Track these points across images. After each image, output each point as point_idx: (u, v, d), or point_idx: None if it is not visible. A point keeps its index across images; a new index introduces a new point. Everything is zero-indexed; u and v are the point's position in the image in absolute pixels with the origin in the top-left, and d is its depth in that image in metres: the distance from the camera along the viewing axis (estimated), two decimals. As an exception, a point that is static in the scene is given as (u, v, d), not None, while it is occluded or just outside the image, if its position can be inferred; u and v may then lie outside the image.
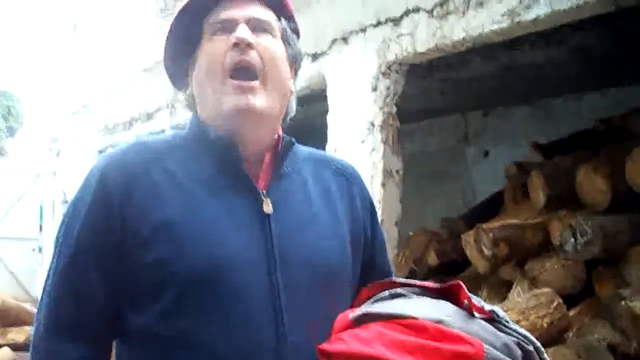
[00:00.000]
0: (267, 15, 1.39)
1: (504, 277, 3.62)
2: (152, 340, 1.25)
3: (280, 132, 1.42)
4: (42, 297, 1.32)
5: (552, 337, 2.95)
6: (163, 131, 4.29)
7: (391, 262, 3.29)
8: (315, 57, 3.64)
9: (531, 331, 2.83)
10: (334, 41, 3.52)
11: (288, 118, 1.46)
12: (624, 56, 3.91)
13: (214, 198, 1.30)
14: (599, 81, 4.47)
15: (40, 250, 10.36)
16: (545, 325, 2.88)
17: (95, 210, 1.28)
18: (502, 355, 1.18)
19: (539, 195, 3.46)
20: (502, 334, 1.24)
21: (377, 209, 3.20)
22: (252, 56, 1.33)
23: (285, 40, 1.41)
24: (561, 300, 2.94)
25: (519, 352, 1.22)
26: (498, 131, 5.25)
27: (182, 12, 1.40)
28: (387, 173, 3.28)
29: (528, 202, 3.65)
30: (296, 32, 1.47)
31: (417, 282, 1.38)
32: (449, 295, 1.32)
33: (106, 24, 6.54)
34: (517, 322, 2.79)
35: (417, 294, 1.34)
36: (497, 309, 1.30)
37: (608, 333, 2.98)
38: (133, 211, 1.26)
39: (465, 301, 1.27)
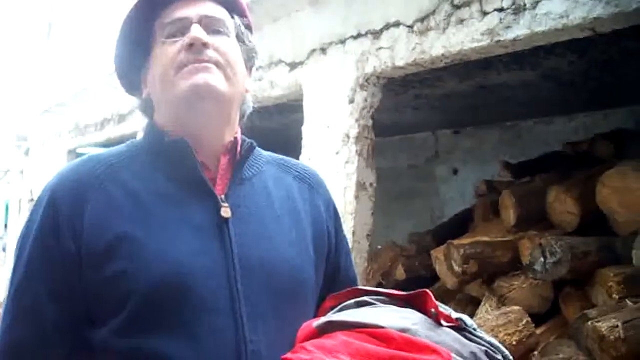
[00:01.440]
0: (220, 12, 1.36)
1: (471, 294, 3.64)
2: (113, 356, 1.21)
3: (239, 134, 1.39)
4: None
5: (520, 355, 2.96)
6: (134, 134, 4.22)
7: (360, 275, 3.30)
8: (292, 66, 3.64)
9: (499, 348, 2.87)
10: (312, 51, 3.52)
11: (244, 117, 1.43)
12: (592, 82, 3.99)
13: (170, 207, 1.26)
14: (568, 106, 4.55)
15: (4, 249, 10.14)
16: (513, 342, 2.89)
17: (45, 230, 1.25)
18: None
19: (510, 214, 3.50)
20: (469, 343, 1.22)
21: (349, 221, 3.22)
22: (209, 55, 1.30)
23: (240, 38, 1.39)
24: (529, 319, 2.96)
25: None
26: (468, 150, 5.30)
27: (132, 13, 1.36)
28: (361, 185, 3.28)
29: (498, 220, 3.68)
30: (249, 28, 1.44)
31: (384, 290, 1.36)
32: (416, 303, 1.30)
33: (81, 23, 6.46)
34: (486, 338, 2.81)
35: (384, 302, 1.31)
36: (464, 317, 1.27)
37: (573, 352, 3.00)
38: (87, 228, 1.22)
39: (432, 309, 1.25)
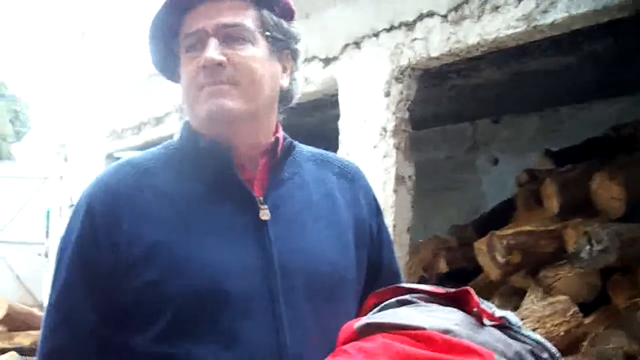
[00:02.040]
0: (240, 16, 1.30)
1: (515, 285, 3.59)
2: None
3: (281, 134, 1.37)
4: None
5: (568, 346, 2.91)
6: (171, 136, 4.25)
7: (402, 269, 3.27)
8: (327, 62, 3.62)
9: (548, 340, 2.82)
10: (346, 46, 3.50)
11: (281, 114, 1.40)
12: (632, 64, 3.90)
13: (207, 211, 1.26)
14: (609, 89, 4.45)
15: (46, 255, 10.33)
16: (561, 333, 2.85)
17: (83, 239, 1.25)
18: None
19: (553, 203, 3.44)
20: (513, 342, 1.19)
21: (389, 215, 3.19)
22: (225, 75, 1.27)
23: (267, 35, 1.33)
24: (577, 309, 2.91)
25: None
26: (507, 139, 5.23)
27: (157, 19, 1.34)
28: (400, 179, 3.25)
29: (540, 209, 3.62)
30: (287, 13, 1.38)
31: (425, 288, 1.34)
32: (458, 301, 1.28)
33: (114, 30, 6.54)
34: (533, 330, 2.76)
35: (425, 301, 1.29)
36: (509, 314, 1.24)
37: (624, 342, 2.94)
38: (123, 236, 1.22)
39: (475, 309, 1.23)
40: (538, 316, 2.84)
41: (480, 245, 3.42)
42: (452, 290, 1.32)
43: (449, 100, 4.73)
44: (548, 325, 2.81)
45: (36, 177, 11.68)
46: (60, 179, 8.12)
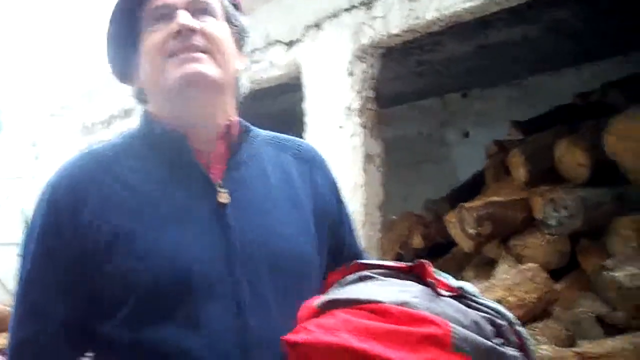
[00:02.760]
0: None
1: (489, 256, 3.63)
2: (120, 348, 1.22)
3: (236, 118, 1.38)
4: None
5: (540, 311, 2.95)
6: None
7: (375, 246, 3.30)
8: (289, 45, 3.62)
9: (519, 307, 2.86)
10: (307, 28, 3.51)
11: (239, 100, 1.41)
12: (597, 31, 3.92)
13: (167, 197, 1.26)
14: (575, 57, 4.48)
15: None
16: (532, 300, 2.88)
17: (47, 229, 1.26)
18: (470, 333, 1.15)
19: (520, 172, 3.47)
20: (471, 311, 1.20)
21: (359, 194, 3.21)
22: (197, 40, 1.28)
23: (229, 19, 1.37)
24: (547, 275, 2.95)
25: (489, 328, 1.18)
26: (477, 112, 5.26)
27: (120, 3, 1.34)
28: (368, 157, 3.27)
29: (509, 180, 3.65)
30: (238, 7, 1.42)
31: (384, 263, 1.35)
32: (417, 274, 1.29)
33: (79, 25, 6.48)
34: (504, 298, 2.80)
35: (385, 276, 1.30)
36: (466, 284, 1.26)
37: (595, 305, 2.99)
38: (87, 224, 1.23)
39: (430, 280, 1.25)
40: (509, 284, 2.87)
41: (451, 219, 3.46)
42: (410, 264, 1.34)
43: (416, 77, 4.75)
44: (519, 292, 2.84)
45: (10, 177, 11.58)
46: (33, 178, 8.06)
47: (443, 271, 1.32)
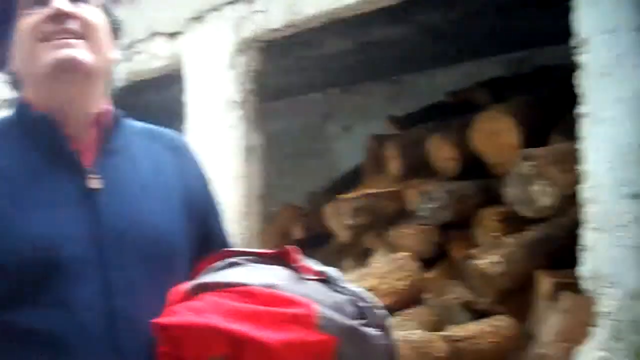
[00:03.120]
0: None
1: (366, 246, 3.76)
2: None
3: (108, 106, 1.39)
4: None
5: (411, 298, 3.10)
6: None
7: (256, 237, 3.36)
8: (172, 37, 3.61)
9: (390, 294, 3.00)
10: (189, 20, 3.51)
11: (111, 89, 1.42)
12: (468, 33, 4.14)
13: (38, 182, 1.27)
14: (447, 57, 4.70)
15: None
16: (403, 287, 3.02)
17: None
18: (334, 314, 1.21)
19: (395, 165, 3.62)
20: (334, 294, 1.26)
21: (240, 185, 3.25)
22: (72, 25, 1.28)
23: (105, 10, 1.38)
24: (417, 264, 3.10)
25: (352, 310, 1.25)
26: (357, 107, 5.40)
27: None
28: (249, 149, 3.32)
29: (385, 172, 3.80)
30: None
31: (253, 250, 1.40)
32: (285, 260, 1.34)
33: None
34: (377, 286, 2.93)
35: (253, 262, 1.35)
36: (330, 269, 1.32)
37: (463, 292, 3.17)
38: None
39: (294, 264, 1.30)
40: (382, 272, 3.00)
41: (329, 210, 3.56)
42: (277, 250, 1.40)
43: (299, 71, 4.83)
44: (390, 280, 2.97)
45: None
46: None
47: (322, 261, 1.38)
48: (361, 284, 2.41)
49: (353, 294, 1.31)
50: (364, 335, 1.26)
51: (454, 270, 3.29)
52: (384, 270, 2.99)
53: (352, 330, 1.24)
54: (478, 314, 3.10)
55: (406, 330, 2.79)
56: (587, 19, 2.35)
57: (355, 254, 3.84)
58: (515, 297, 3.03)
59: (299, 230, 4.23)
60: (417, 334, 2.71)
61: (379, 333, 1.29)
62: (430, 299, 3.22)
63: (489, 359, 2.87)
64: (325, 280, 1.31)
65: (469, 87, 4.18)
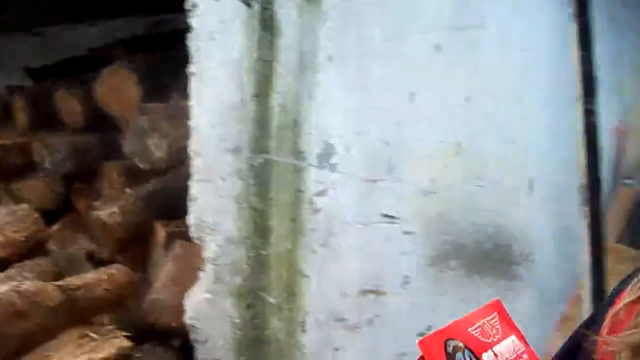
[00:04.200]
0: None
1: (-5, 198, 3.65)
2: None
3: None
4: None
5: (31, 250, 3.09)
6: None
7: None
8: None
9: (6, 245, 2.96)
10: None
11: None
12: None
13: None
14: (91, 13, 4.68)
15: None
16: (22, 239, 3.00)
17: None
18: None
19: (22, 117, 3.55)
20: None
21: None
22: None
23: None
24: (37, 215, 3.09)
25: None
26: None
27: None
28: None
29: (14, 124, 3.71)
30: None
31: None
32: None
33: None
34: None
35: None
36: None
37: (85, 243, 3.25)
38: None
39: None
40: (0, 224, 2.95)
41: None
42: None
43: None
44: (8, 231, 2.94)
45: None
46: None
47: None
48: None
49: None
50: None
51: (79, 222, 3.35)
52: (2, 222, 2.94)
53: None
54: (102, 264, 3.20)
55: (20, 282, 2.78)
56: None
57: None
58: (135, 246, 3.19)
59: None
60: (27, 284, 2.72)
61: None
62: (55, 251, 3.25)
63: (105, 306, 2.98)
64: None
65: (108, 43, 4.22)
